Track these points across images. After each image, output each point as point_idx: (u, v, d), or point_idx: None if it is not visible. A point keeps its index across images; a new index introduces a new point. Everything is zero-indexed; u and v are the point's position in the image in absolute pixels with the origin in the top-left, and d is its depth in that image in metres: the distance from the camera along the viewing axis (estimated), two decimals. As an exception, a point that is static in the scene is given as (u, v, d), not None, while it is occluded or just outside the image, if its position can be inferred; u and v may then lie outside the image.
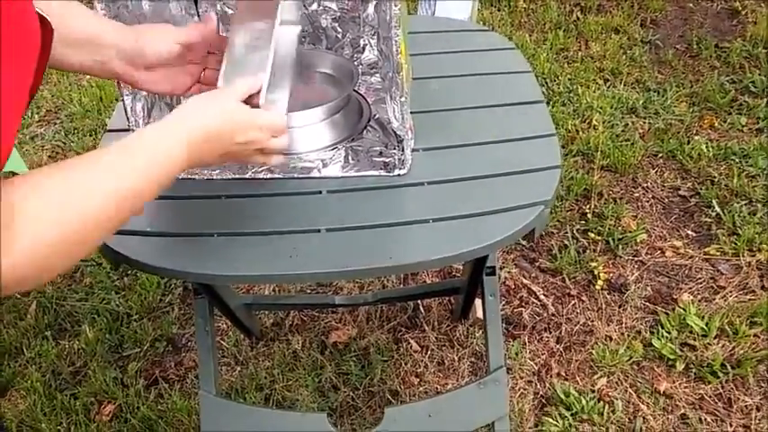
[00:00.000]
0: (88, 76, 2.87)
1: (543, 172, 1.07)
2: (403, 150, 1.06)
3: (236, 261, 0.95)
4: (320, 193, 1.05)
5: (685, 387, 1.76)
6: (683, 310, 1.92)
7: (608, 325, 1.92)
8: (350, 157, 1.10)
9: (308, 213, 1.02)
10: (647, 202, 2.27)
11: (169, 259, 0.95)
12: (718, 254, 2.08)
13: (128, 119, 1.03)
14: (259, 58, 0.91)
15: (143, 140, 0.77)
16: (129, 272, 2.11)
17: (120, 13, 0.98)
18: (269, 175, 1.07)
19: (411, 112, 1.05)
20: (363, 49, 1.26)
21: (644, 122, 2.56)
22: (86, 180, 0.68)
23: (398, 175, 1.06)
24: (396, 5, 0.92)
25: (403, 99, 1.00)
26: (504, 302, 1.98)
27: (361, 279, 2.02)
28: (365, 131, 1.15)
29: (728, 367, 1.78)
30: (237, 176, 1.07)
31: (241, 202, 1.04)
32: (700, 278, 2.02)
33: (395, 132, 1.06)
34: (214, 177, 1.08)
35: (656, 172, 2.36)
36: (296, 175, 1.07)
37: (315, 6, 1.24)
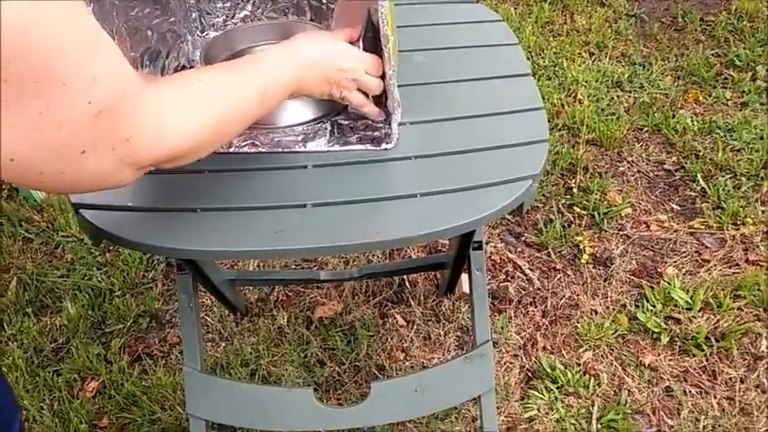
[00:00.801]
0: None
1: (531, 146, 1.05)
2: (390, 124, 1.04)
3: (220, 237, 0.93)
4: (305, 167, 1.03)
5: (670, 360, 1.77)
6: (668, 283, 1.93)
7: (593, 299, 1.93)
8: (335, 131, 1.08)
9: (293, 188, 1.00)
10: (633, 176, 2.27)
11: (151, 235, 0.93)
12: (703, 227, 2.09)
13: None
14: (360, 12, 1.02)
15: (263, 61, 0.89)
16: (111, 248, 2.09)
17: None
18: (253, 150, 1.05)
19: (398, 86, 1.03)
20: (349, 20, 1.23)
21: (629, 96, 2.56)
22: (223, 80, 0.83)
23: (385, 149, 1.04)
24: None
25: (390, 72, 0.98)
26: (489, 277, 1.98)
27: (347, 254, 2.01)
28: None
29: (713, 340, 1.79)
30: (221, 151, 1.05)
31: (225, 176, 1.02)
32: (684, 252, 2.03)
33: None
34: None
35: (642, 146, 2.36)
36: (280, 150, 1.05)
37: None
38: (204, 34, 1.26)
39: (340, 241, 0.93)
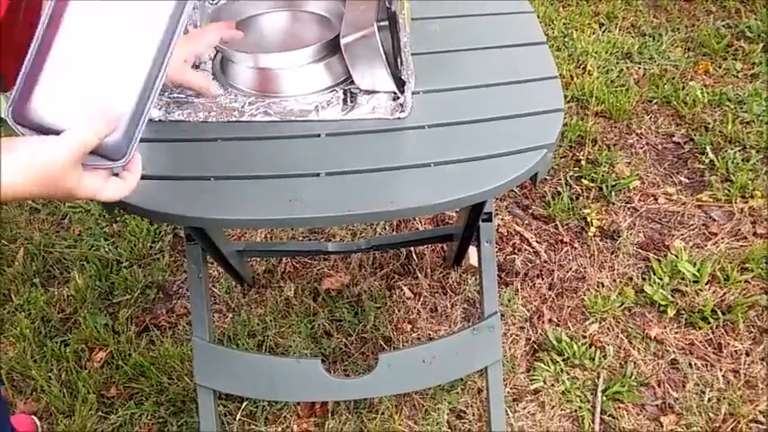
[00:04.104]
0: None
1: (546, 115, 1.04)
2: (403, 93, 1.03)
3: (234, 205, 0.93)
4: (319, 136, 1.02)
5: (676, 332, 1.77)
6: (675, 256, 1.92)
7: (600, 271, 1.92)
8: (348, 100, 1.07)
9: (306, 157, 0.99)
10: (641, 148, 2.25)
11: (165, 203, 0.92)
12: (711, 200, 2.08)
13: None
14: None
15: None
16: (119, 218, 2.08)
17: None
18: (266, 118, 1.04)
19: (411, 54, 1.02)
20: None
21: (639, 68, 2.53)
22: None
23: (399, 118, 1.04)
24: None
25: (405, 40, 0.97)
26: (497, 249, 1.96)
27: (359, 224, 2.00)
28: None
29: (719, 313, 1.79)
30: (233, 120, 1.04)
31: (238, 144, 1.01)
32: (692, 225, 2.02)
33: (395, 74, 1.02)
34: (209, 120, 1.05)
35: (651, 118, 2.34)
36: (293, 118, 1.04)
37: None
38: (214, 2, 1.24)
39: (354, 210, 0.93)
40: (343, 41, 1.03)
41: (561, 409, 1.64)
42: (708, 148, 2.20)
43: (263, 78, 1.09)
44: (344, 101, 1.07)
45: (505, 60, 1.14)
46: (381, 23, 1.02)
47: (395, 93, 1.06)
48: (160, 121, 1.04)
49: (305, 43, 1.11)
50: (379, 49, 1.01)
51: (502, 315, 1.81)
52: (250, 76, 1.10)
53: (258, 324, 1.82)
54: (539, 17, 2.72)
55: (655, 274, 1.89)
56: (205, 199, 0.94)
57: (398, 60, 1.01)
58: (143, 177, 0.95)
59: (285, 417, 1.64)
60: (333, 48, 1.08)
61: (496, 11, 1.25)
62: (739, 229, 1.99)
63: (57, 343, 1.80)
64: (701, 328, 1.77)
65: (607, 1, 2.83)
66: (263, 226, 1.82)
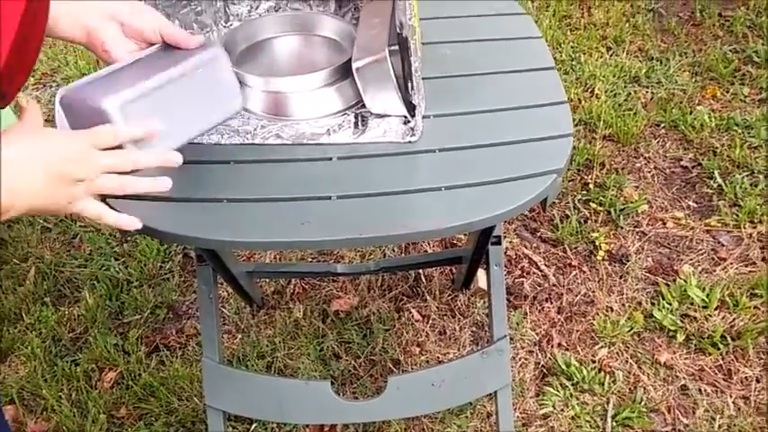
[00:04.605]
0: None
1: (555, 140, 1.05)
2: (414, 117, 1.05)
3: (247, 227, 0.94)
4: (330, 159, 1.03)
5: (686, 358, 1.77)
6: (684, 281, 1.92)
7: (609, 296, 1.92)
8: (360, 123, 1.08)
9: (318, 180, 1.00)
10: (649, 172, 2.26)
11: (179, 225, 0.93)
12: (720, 225, 2.08)
13: None
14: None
15: None
16: (129, 238, 2.10)
17: None
18: (278, 141, 1.06)
19: (422, 78, 1.03)
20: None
21: (646, 92, 2.55)
22: None
23: (409, 141, 1.05)
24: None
25: (416, 65, 0.98)
26: (505, 272, 1.97)
27: (367, 247, 2.01)
28: None
29: (729, 339, 1.79)
30: (246, 142, 1.05)
31: (250, 167, 1.02)
32: (701, 249, 2.02)
33: (406, 98, 1.04)
34: (222, 142, 1.06)
35: (659, 142, 2.35)
36: (305, 141, 1.06)
37: (323, -32, 1.22)
38: (228, 24, 1.26)
39: (365, 233, 0.93)
40: (354, 66, 1.04)
41: (570, 434, 1.64)
42: (716, 172, 2.20)
43: (276, 101, 1.10)
44: (356, 124, 1.08)
45: (515, 85, 1.15)
46: (393, 48, 1.03)
47: (406, 117, 1.07)
48: (174, 143, 1.06)
49: (317, 67, 1.12)
50: (390, 74, 1.03)
51: (511, 339, 1.81)
52: (262, 99, 1.11)
53: (267, 345, 1.83)
54: (547, 41, 2.74)
55: (664, 298, 1.89)
56: (217, 221, 0.95)
57: (409, 84, 1.02)
58: (156, 199, 0.96)
59: (293, 439, 1.64)
60: (344, 72, 1.10)
61: (506, 36, 1.26)
62: (748, 255, 1.99)
63: (67, 362, 1.81)
64: (710, 354, 1.77)
65: (614, 25, 2.85)
66: (275, 248, 1.83)
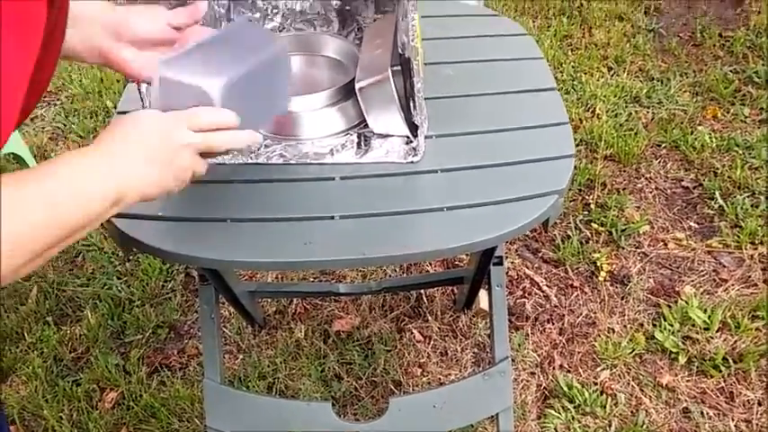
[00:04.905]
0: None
1: (557, 161, 1.06)
2: (417, 137, 1.05)
3: (250, 247, 0.94)
4: (333, 179, 1.04)
5: (687, 380, 1.76)
6: (686, 302, 1.92)
7: (610, 317, 1.92)
8: (362, 143, 1.09)
9: (321, 200, 1.01)
10: (650, 192, 2.26)
11: (183, 245, 0.93)
12: (721, 246, 2.08)
13: (142, 100, 1.02)
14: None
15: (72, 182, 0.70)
16: (132, 257, 2.10)
17: None
18: (281, 161, 1.06)
19: (425, 98, 1.04)
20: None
21: (647, 112, 2.56)
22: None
23: (412, 162, 1.05)
24: (414, -9, 0.91)
25: (419, 85, 0.99)
26: (507, 293, 1.97)
27: (370, 267, 2.01)
28: None
29: (731, 361, 1.78)
30: (250, 162, 1.06)
31: (254, 187, 1.03)
32: (702, 271, 2.02)
33: (409, 119, 1.04)
34: (226, 162, 1.06)
35: (660, 162, 2.36)
36: (308, 161, 1.06)
37: (327, -10, 1.23)
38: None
39: (368, 254, 0.94)
40: (357, 86, 1.05)
41: (573, 456, 1.63)
42: (717, 193, 2.21)
43: (279, 121, 1.11)
44: (358, 144, 1.09)
45: (517, 106, 1.16)
46: (395, 68, 1.04)
47: (408, 137, 1.08)
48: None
49: (320, 87, 1.13)
50: (393, 95, 1.04)
51: (512, 360, 1.80)
52: (266, 119, 1.12)
53: (269, 366, 1.82)
54: (548, 60, 2.75)
55: (665, 320, 1.89)
56: (221, 241, 0.95)
57: (412, 105, 1.03)
58: (161, 219, 0.97)
59: (294, 460, 1.63)
60: (347, 92, 1.11)
61: (508, 57, 1.27)
62: (749, 276, 1.98)
63: (68, 383, 1.80)
64: (712, 377, 1.76)
65: (615, 45, 2.87)
66: (279, 269, 1.83)
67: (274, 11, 1.27)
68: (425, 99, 1.05)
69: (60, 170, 0.68)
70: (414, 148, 1.06)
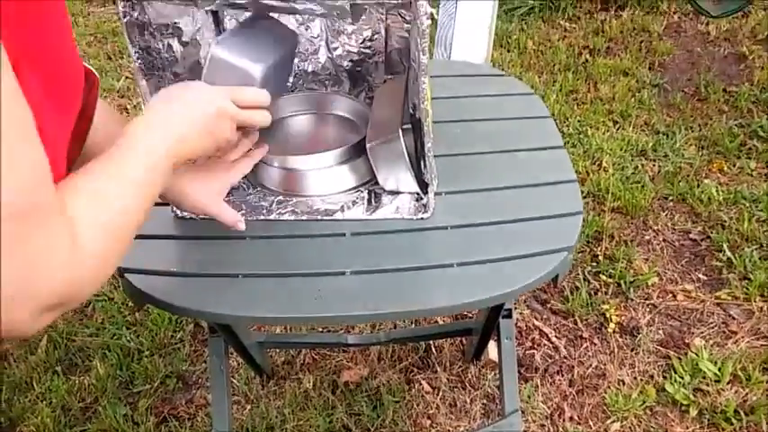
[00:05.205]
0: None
1: (566, 218, 1.07)
2: (427, 194, 1.07)
3: (262, 302, 0.95)
4: (344, 235, 1.06)
5: (699, 433, 1.75)
6: (696, 354, 1.91)
7: (620, 369, 1.91)
8: (373, 200, 1.11)
9: (332, 256, 1.02)
10: (658, 244, 2.27)
11: (196, 300, 0.95)
12: (730, 298, 2.08)
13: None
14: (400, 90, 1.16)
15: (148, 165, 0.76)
16: (141, 309, 2.11)
17: (154, 61, 1.00)
18: (293, 217, 1.08)
19: (434, 156, 1.06)
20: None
21: (654, 165, 2.58)
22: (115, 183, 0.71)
23: (422, 218, 1.07)
24: (424, 54, 0.93)
25: (429, 145, 1.01)
26: (516, 344, 1.97)
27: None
28: None
29: (742, 414, 1.77)
30: (262, 218, 1.08)
31: (265, 243, 1.05)
32: (712, 322, 2.02)
33: (419, 177, 1.07)
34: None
35: (667, 215, 2.37)
36: (319, 218, 1.08)
37: (339, 51, 1.27)
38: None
39: (379, 309, 0.95)
40: (368, 145, 1.08)
41: None
42: (725, 245, 2.22)
43: (291, 179, 1.14)
44: (369, 201, 1.11)
45: (525, 163, 1.18)
46: (405, 127, 1.07)
47: (418, 194, 1.10)
48: (191, 218, 1.09)
49: (330, 145, 1.16)
50: (403, 154, 1.06)
51: (522, 412, 1.79)
52: (278, 176, 1.14)
53: (277, 417, 1.82)
54: (554, 114, 2.80)
55: (676, 372, 1.88)
56: (233, 296, 0.96)
57: (422, 164, 1.05)
58: (174, 274, 0.99)
59: None
60: (358, 150, 1.13)
61: (516, 115, 1.30)
62: (759, 328, 1.98)
63: (76, 433, 1.80)
64: (724, 429, 1.75)
65: (620, 100, 2.91)
66: (290, 323, 1.84)
67: (287, 70, 1.30)
68: (435, 157, 1.08)
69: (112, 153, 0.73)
70: (424, 205, 1.08)
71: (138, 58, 0.97)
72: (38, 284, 0.57)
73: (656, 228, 2.33)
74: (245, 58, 0.95)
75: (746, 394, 1.81)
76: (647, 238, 2.30)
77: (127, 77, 3.21)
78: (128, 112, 2.97)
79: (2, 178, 0.52)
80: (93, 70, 0.80)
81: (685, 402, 1.80)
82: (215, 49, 0.95)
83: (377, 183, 1.13)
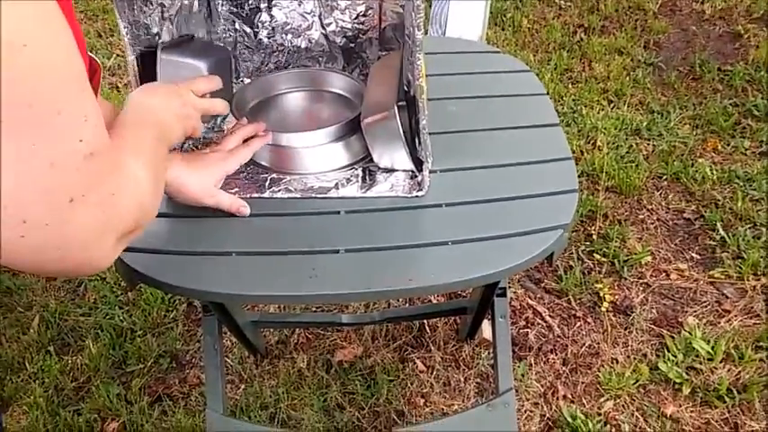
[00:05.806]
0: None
1: (561, 195, 1.07)
2: (421, 171, 1.06)
3: (256, 281, 0.94)
4: (338, 213, 1.05)
5: (692, 411, 1.76)
6: (689, 333, 1.92)
7: (614, 347, 1.92)
8: (367, 178, 1.10)
9: (326, 233, 1.01)
10: (652, 224, 2.27)
11: (189, 278, 0.94)
12: (723, 277, 2.09)
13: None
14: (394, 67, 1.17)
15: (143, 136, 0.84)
16: (134, 288, 2.10)
17: (142, 36, 0.99)
18: (287, 195, 1.07)
19: (429, 134, 1.05)
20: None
21: (648, 144, 2.57)
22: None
23: (416, 196, 1.06)
24: (419, 30, 0.92)
25: (423, 122, 1.00)
26: (510, 323, 1.97)
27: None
28: None
29: (735, 392, 1.78)
30: (256, 195, 1.07)
31: (259, 221, 1.03)
32: (705, 301, 2.02)
33: (413, 154, 1.06)
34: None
35: (661, 194, 2.37)
36: (313, 195, 1.07)
37: (333, 27, 1.25)
38: (239, 80, 1.29)
39: (373, 287, 0.94)
40: (363, 123, 1.07)
41: (576, 489, 1.62)
42: (718, 224, 2.22)
43: (285, 156, 1.12)
44: (363, 178, 1.10)
45: (521, 141, 1.17)
46: (400, 104, 1.05)
47: (413, 171, 1.09)
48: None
49: (325, 122, 1.15)
50: (398, 131, 1.05)
51: (516, 390, 1.79)
52: (271, 153, 1.13)
53: (270, 396, 1.82)
54: (549, 93, 2.78)
55: (669, 350, 1.88)
56: (227, 274, 0.95)
57: (417, 141, 1.04)
58: (167, 253, 0.98)
59: (296, 492, 1.62)
60: (352, 127, 1.12)
61: (511, 92, 1.29)
62: (752, 307, 1.99)
63: (69, 412, 1.80)
64: (716, 407, 1.76)
65: (615, 79, 2.89)
66: (284, 302, 1.83)
67: (280, 48, 1.29)
68: (430, 134, 1.06)
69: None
70: (418, 183, 1.07)
71: (127, 33, 0.96)
72: (119, 212, 0.65)
73: (649, 207, 2.33)
74: (189, 58, 1.09)
75: (739, 372, 1.82)
76: (640, 217, 2.30)
77: (118, 55, 3.17)
78: (119, 90, 2.94)
79: (78, 123, 0.58)
80: (96, 58, 0.81)
81: (678, 380, 1.81)
82: (162, 55, 1.08)
83: (371, 160, 1.12)
